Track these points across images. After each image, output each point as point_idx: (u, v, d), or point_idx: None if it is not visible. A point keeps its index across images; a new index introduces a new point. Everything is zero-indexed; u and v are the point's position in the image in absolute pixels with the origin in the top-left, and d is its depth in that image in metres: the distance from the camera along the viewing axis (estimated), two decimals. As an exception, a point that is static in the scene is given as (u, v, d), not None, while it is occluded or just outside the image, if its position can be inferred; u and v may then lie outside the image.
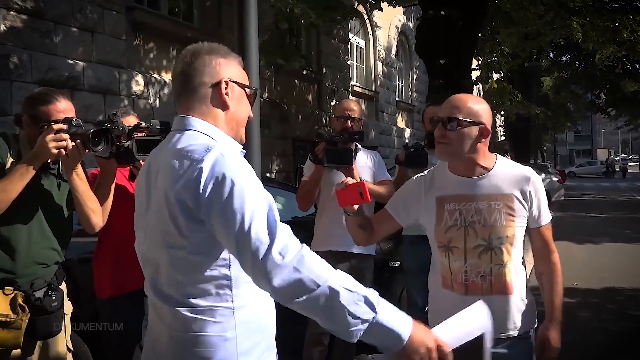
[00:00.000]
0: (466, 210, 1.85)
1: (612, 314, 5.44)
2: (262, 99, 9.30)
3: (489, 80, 9.90)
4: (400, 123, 16.80)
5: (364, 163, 3.23)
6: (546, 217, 1.93)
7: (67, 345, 2.18)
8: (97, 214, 2.16)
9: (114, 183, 2.26)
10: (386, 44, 15.31)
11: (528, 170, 1.91)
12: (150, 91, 7.30)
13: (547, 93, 27.40)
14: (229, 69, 1.41)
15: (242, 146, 1.44)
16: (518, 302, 1.88)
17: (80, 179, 2.07)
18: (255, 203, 1.24)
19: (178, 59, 1.44)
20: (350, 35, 13.13)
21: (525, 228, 1.90)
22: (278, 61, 8.04)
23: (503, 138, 25.09)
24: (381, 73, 14.91)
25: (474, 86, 9.85)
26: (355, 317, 1.17)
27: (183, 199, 1.25)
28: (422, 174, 2.05)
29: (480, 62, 12.16)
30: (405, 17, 16.34)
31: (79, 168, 2.07)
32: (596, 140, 66.41)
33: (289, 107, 10.47)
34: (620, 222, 13.40)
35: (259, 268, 1.18)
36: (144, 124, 2.26)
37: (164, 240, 1.31)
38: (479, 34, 8.22)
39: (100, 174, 2.25)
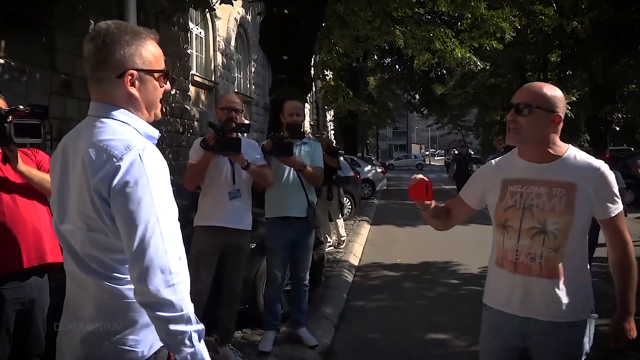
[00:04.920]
0: (527, 193, 1.91)
1: (429, 283, 6.41)
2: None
3: (327, 78, 10.61)
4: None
5: (245, 151, 3.47)
6: (615, 208, 1.89)
7: None
8: None
9: None
10: (225, 35, 15.37)
11: (598, 162, 1.90)
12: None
13: (371, 92, 29.90)
14: (136, 57, 1.42)
15: (157, 131, 1.50)
16: (567, 288, 1.86)
17: None
18: (161, 217, 1.33)
19: (85, 39, 1.42)
20: (190, 24, 12.95)
21: (588, 219, 1.90)
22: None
23: (333, 133, 26.75)
24: (220, 64, 14.93)
25: (313, 82, 10.49)
26: (188, 342, 1.34)
27: (99, 190, 1.33)
28: (493, 160, 2.14)
29: (316, 60, 12.94)
30: (243, 10, 16.55)
31: None
32: (410, 137, 74.01)
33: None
34: (431, 207, 15.37)
35: (143, 281, 1.31)
36: (21, 107, 2.21)
37: (84, 223, 1.38)
38: (318, 33, 8.80)
39: None
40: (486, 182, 2.07)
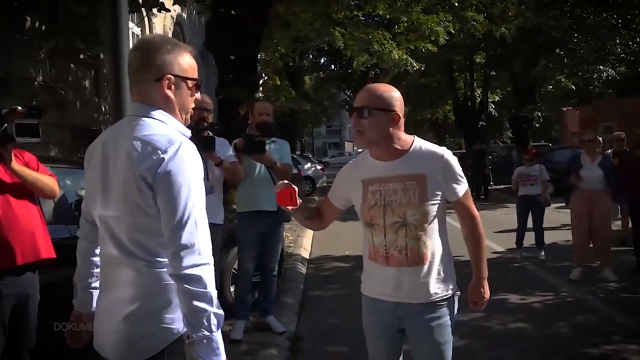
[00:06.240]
0: (385, 191, 2.03)
1: (378, 272, 6.79)
2: (37, 83, 8.55)
3: (273, 78, 10.80)
4: (177, 114, 16.70)
5: (217, 148, 3.64)
6: (461, 188, 2.07)
7: None
8: None
9: None
10: (162, 34, 15.14)
11: (441, 150, 2.06)
12: None
13: (308, 91, 30.26)
14: (174, 64, 1.61)
15: (189, 131, 1.67)
16: (432, 271, 2.04)
17: None
18: (196, 204, 1.52)
19: (132, 49, 1.65)
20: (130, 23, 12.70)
21: (442, 203, 2.05)
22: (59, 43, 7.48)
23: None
24: (158, 62, 14.70)
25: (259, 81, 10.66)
26: (206, 322, 1.47)
27: (146, 177, 1.51)
28: (351, 161, 2.25)
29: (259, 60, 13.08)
30: (180, 8, 16.31)
31: None
32: (344, 135, 75.14)
33: (66, 92, 9.76)
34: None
35: (178, 256, 1.49)
36: (20, 108, 2.29)
37: (129, 209, 1.55)
38: (263, 34, 8.99)
39: None
40: (348, 183, 2.17)
